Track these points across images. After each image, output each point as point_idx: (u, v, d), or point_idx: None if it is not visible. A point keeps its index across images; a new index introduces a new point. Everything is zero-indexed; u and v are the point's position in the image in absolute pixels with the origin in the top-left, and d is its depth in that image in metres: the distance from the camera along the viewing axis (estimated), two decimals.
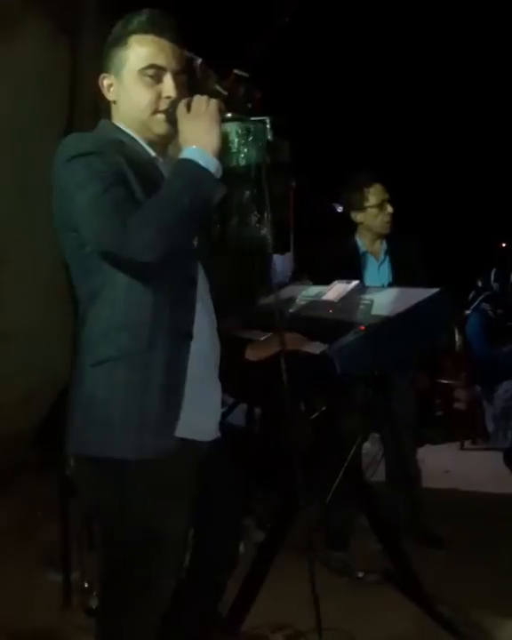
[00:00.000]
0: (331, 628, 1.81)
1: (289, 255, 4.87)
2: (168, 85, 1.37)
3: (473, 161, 6.22)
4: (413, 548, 2.39)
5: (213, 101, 1.32)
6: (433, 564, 2.47)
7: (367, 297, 1.91)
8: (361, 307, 1.85)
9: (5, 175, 3.07)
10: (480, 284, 4.58)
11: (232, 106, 1.37)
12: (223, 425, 1.51)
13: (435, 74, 5.25)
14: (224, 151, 1.35)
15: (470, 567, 2.52)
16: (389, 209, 2.76)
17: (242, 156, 2.20)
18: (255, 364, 1.76)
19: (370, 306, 1.82)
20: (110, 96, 1.42)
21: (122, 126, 1.41)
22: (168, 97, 1.37)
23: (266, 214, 1.44)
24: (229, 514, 1.53)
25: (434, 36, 4.70)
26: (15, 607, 2.18)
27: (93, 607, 2.12)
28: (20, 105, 3.10)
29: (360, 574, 2.47)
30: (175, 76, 1.38)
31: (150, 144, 1.42)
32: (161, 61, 1.37)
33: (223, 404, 1.56)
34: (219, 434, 1.47)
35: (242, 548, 1.63)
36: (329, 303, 1.94)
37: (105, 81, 1.41)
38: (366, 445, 2.95)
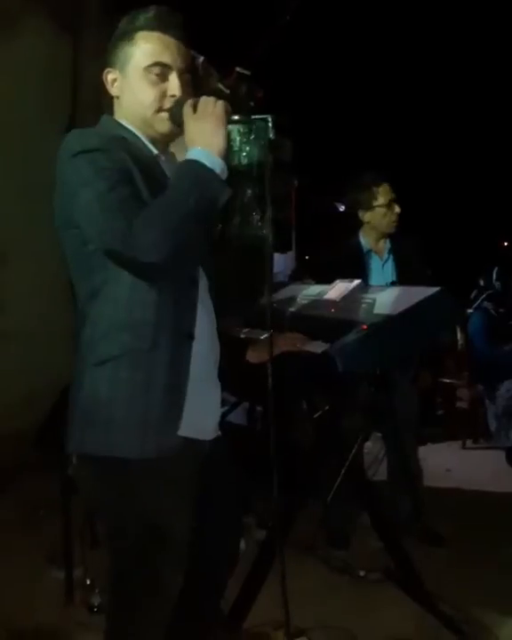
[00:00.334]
0: (332, 627, 1.81)
1: (290, 254, 4.88)
2: (174, 84, 1.36)
3: (475, 160, 6.21)
4: (414, 547, 2.39)
5: (220, 103, 1.31)
6: (434, 562, 2.47)
7: (369, 296, 1.91)
8: (363, 306, 1.85)
9: (6, 173, 3.07)
10: (482, 282, 4.58)
11: (234, 104, 1.37)
12: (224, 424, 1.52)
13: (437, 73, 5.24)
14: (226, 150, 1.35)
15: (471, 566, 2.52)
16: (397, 209, 2.77)
17: (244, 154, 2.20)
18: (256, 364, 1.76)
19: (372, 305, 1.81)
20: (114, 91, 1.41)
21: (124, 122, 1.40)
22: (173, 96, 1.36)
23: (268, 213, 1.43)
24: (230, 512, 1.53)
25: (435, 37, 4.69)
26: (18, 604, 2.18)
27: (95, 604, 2.13)
28: (21, 102, 3.10)
29: (361, 573, 2.47)
30: (180, 74, 1.37)
31: (152, 142, 1.41)
32: (167, 59, 1.36)
33: (224, 402, 1.56)
34: (219, 432, 1.47)
35: (243, 545, 1.63)
36: (331, 302, 1.94)
37: (109, 76, 1.40)
38: (368, 444, 2.95)
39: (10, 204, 3.09)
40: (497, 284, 4.47)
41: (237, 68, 1.53)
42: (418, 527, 2.76)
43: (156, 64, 1.36)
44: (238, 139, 2.02)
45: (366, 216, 2.81)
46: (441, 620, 2.05)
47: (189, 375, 1.34)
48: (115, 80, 1.40)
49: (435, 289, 1.76)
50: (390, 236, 2.84)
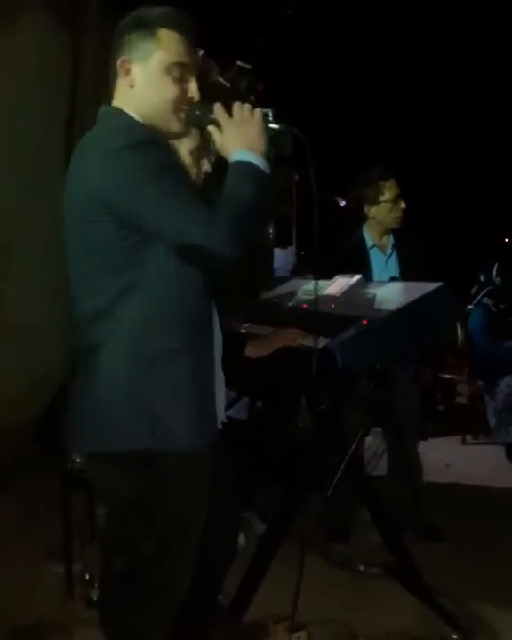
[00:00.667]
0: (332, 621, 1.82)
1: (291, 249, 4.87)
2: (194, 87, 1.38)
3: (476, 156, 6.20)
4: (414, 542, 2.39)
5: (256, 110, 1.35)
6: (434, 557, 2.48)
7: (370, 291, 1.91)
8: (363, 301, 1.84)
9: (8, 169, 3.06)
10: (482, 278, 4.57)
11: (235, 98, 1.37)
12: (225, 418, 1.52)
13: (439, 69, 5.22)
14: None
15: (471, 561, 2.53)
16: (402, 204, 2.77)
17: None
18: (256, 359, 1.76)
19: (372, 300, 1.81)
20: (127, 81, 1.37)
21: (130, 112, 1.36)
22: (191, 98, 1.37)
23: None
24: (229, 506, 1.54)
25: (438, 33, 4.67)
26: (17, 599, 2.19)
27: (95, 599, 2.13)
28: (21, 99, 3.09)
29: (361, 567, 2.48)
30: (197, 79, 1.39)
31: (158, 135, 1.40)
32: (188, 62, 1.37)
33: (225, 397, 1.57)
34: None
35: (242, 539, 1.63)
36: (331, 298, 1.94)
37: (126, 65, 1.37)
38: (368, 440, 2.95)
39: (12, 198, 3.07)
40: (497, 280, 4.47)
41: (238, 62, 1.53)
42: (417, 522, 2.77)
43: (180, 64, 1.36)
44: None
45: (372, 211, 2.80)
46: (440, 615, 2.05)
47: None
48: (130, 70, 1.37)
49: (435, 285, 1.76)
50: (394, 232, 2.84)
